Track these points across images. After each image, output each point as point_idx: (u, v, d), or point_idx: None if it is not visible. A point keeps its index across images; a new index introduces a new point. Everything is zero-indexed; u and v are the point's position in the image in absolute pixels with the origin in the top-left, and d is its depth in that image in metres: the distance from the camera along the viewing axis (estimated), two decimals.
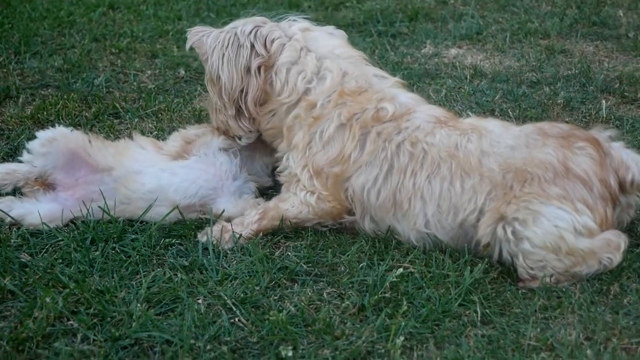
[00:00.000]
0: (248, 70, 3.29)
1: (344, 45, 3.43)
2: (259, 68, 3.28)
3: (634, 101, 4.67)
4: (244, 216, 3.29)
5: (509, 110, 4.37)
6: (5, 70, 4.95)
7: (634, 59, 5.37)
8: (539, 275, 2.91)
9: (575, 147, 3.01)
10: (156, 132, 4.03)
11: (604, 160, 3.01)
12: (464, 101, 4.58)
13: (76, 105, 4.44)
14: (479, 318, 2.76)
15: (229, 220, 3.29)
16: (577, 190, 2.92)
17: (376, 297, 2.83)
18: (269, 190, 3.62)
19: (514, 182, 2.97)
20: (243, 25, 3.34)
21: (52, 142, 3.41)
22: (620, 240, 2.95)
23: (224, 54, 3.29)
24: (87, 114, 4.37)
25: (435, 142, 3.13)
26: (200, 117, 4.34)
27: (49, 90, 4.73)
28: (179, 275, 2.99)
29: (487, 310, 2.79)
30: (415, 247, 3.12)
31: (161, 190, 3.33)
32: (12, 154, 3.86)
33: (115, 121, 4.31)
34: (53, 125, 3.71)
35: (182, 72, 5.07)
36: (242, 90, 3.32)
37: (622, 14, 6.36)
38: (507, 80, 4.94)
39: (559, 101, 4.56)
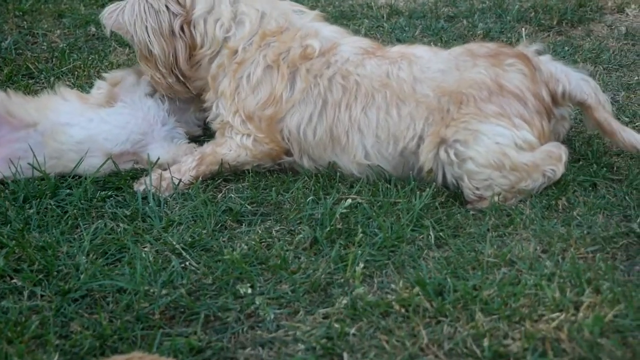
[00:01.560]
0: (173, 33, 3.16)
1: None
2: (181, 28, 3.17)
3: (550, 28, 4.72)
4: (180, 163, 3.19)
5: (431, 44, 4.34)
6: None
7: None
8: (485, 195, 2.91)
9: (505, 65, 3.00)
10: (75, 89, 3.85)
11: (534, 75, 3.01)
12: (384, 39, 4.53)
13: None
14: (433, 241, 2.73)
15: (165, 168, 3.17)
16: (513, 106, 2.92)
17: (328, 229, 2.77)
18: (198, 138, 3.51)
19: (449, 105, 2.95)
20: None
21: None
22: (560, 152, 2.97)
23: (146, 27, 3.15)
24: None
25: (367, 73, 3.08)
26: None
27: None
28: (121, 225, 2.88)
29: (441, 234, 2.77)
30: (360, 180, 3.07)
31: (91, 139, 3.19)
32: None
33: (30, 81, 4.12)
34: None
35: (93, 29, 4.88)
36: (174, 55, 3.20)
37: None
38: (424, 17, 4.93)
39: (478, 32, 4.58)
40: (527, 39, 4.40)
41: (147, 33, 3.14)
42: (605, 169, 3.08)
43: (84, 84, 4.03)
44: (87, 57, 4.43)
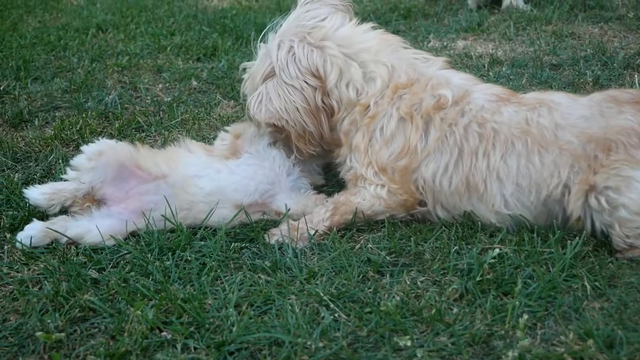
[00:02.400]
0: (317, 107, 3.15)
1: (376, 35, 3.26)
2: (322, 100, 3.15)
3: None
4: (312, 214, 3.14)
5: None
6: (11, 96, 4.76)
7: None
8: (636, 243, 2.81)
9: None
10: (200, 142, 3.85)
11: None
12: None
13: (96, 122, 4.26)
14: (589, 292, 2.63)
15: (295, 219, 3.13)
16: None
17: (477, 280, 2.69)
18: (322, 187, 3.47)
19: (596, 151, 2.87)
20: (279, 64, 3.15)
21: (99, 155, 3.19)
22: None
23: (297, 109, 3.12)
24: (110, 130, 4.19)
25: (504, 120, 3.02)
26: (227, 123, 4.18)
27: (62, 111, 4.54)
28: (262, 276, 2.83)
29: (596, 284, 2.67)
30: (500, 229, 2.99)
31: (221, 191, 3.17)
32: (47, 175, 3.67)
33: (141, 134, 4.14)
34: (79, 145, 3.56)
35: (194, 83, 4.92)
36: (322, 127, 3.20)
37: None
38: (526, 65, 4.88)
39: (588, 80, 4.50)
40: None
41: (300, 114, 3.12)
42: None
43: (194, 136, 4.03)
44: (192, 109, 4.44)
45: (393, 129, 3.09)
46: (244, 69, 3.39)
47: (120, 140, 3.88)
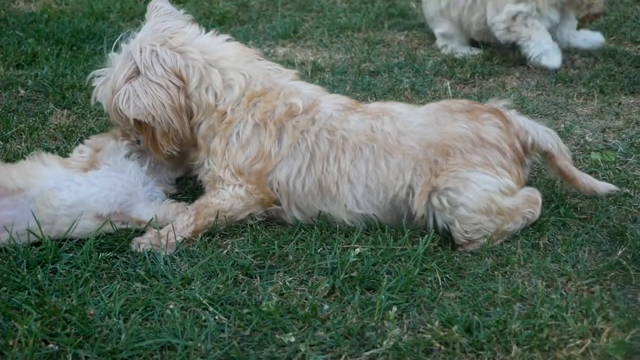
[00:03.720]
0: (181, 106, 3.30)
1: (235, 46, 3.47)
2: (184, 100, 3.31)
3: (466, 81, 5.07)
4: (175, 221, 3.27)
5: (368, 98, 4.60)
6: None
7: None
8: (474, 237, 3.16)
9: (482, 119, 3.29)
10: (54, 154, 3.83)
11: (508, 128, 3.31)
12: None
13: None
14: (442, 283, 2.94)
15: (160, 227, 3.25)
16: (494, 157, 3.20)
17: (342, 277, 2.93)
18: (175, 196, 3.60)
19: (436, 156, 3.20)
20: (144, 62, 3.27)
21: None
22: (537, 195, 3.29)
23: (163, 105, 3.24)
24: None
25: (352, 128, 3.29)
26: (65, 133, 4.19)
27: None
28: (137, 285, 2.94)
29: (447, 276, 2.99)
30: (354, 229, 3.25)
31: (82, 202, 3.23)
32: None
33: None
34: None
35: (22, 91, 4.84)
36: (185, 127, 3.35)
37: (414, 6, 6.81)
38: (347, 72, 5.19)
39: (405, 86, 4.86)
40: (452, 91, 4.75)
41: (167, 111, 3.25)
42: (572, 209, 3.40)
43: (34, 146, 4.01)
44: (26, 119, 4.40)
45: (248, 135, 3.29)
46: (95, 76, 3.45)
47: None
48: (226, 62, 3.35)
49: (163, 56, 3.27)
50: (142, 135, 3.40)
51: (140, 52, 3.28)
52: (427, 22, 5.88)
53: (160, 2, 3.48)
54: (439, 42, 5.74)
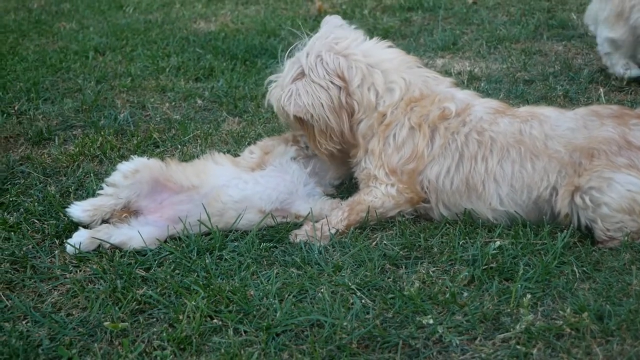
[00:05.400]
0: (341, 105, 3.54)
1: (396, 52, 3.69)
2: (345, 99, 3.54)
3: (621, 88, 5.07)
4: (330, 216, 3.51)
5: (520, 105, 4.69)
6: (28, 116, 5.05)
7: None
8: (615, 235, 3.22)
9: (630, 124, 3.35)
10: (227, 154, 4.17)
11: None
12: None
13: (114, 139, 4.58)
14: (579, 275, 3.04)
15: (316, 221, 3.50)
16: (639, 159, 3.25)
17: (482, 268, 3.08)
18: (332, 195, 3.84)
19: (581, 159, 3.29)
20: (309, 65, 3.54)
21: (134, 173, 3.53)
22: None
23: (322, 105, 3.50)
24: (128, 146, 4.52)
25: (501, 130, 3.43)
26: (236, 138, 4.53)
27: (78, 129, 4.85)
28: (293, 271, 3.19)
29: (584, 269, 3.08)
30: (497, 225, 3.39)
31: (247, 199, 3.53)
32: (79, 188, 3.98)
33: (157, 149, 4.46)
34: (102, 160, 4.05)
35: (199, 101, 5.26)
36: (343, 125, 3.58)
37: (575, 17, 6.82)
38: (502, 81, 5.30)
39: (559, 93, 4.93)
40: (605, 98, 4.78)
41: (324, 110, 3.50)
42: None
43: (207, 150, 4.36)
44: (202, 126, 4.78)
45: (404, 137, 3.50)
46: (270, 82, 3.76)
47: (141, 156, 4.23)
48: (388, 64, 3.58)
49: (327, 60, 3.54)
50: (304, 133, 3.66)
51: (307, 56, 3.56)
52: (591, 26, 5.34)
53: (333, 17, 3.77)
54: (603, 48, 5.16)
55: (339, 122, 3.55)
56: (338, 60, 3.54)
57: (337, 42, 3.63)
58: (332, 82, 3.50)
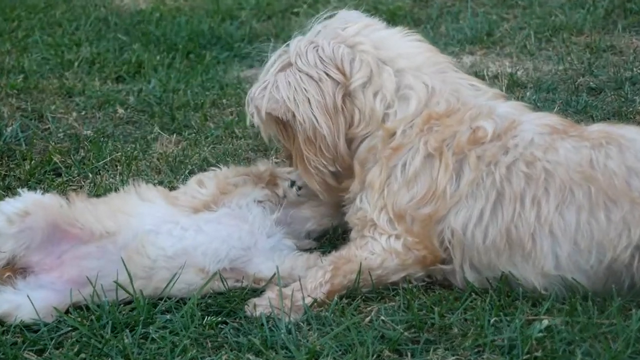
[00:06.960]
0: (335, 107, 3.53)
1: (424, 48, 3.70)
2: (343, 100, 3.54)
3: None
4: (306, 277, 3.49)
5: (582, 124, 4.71)
6: None
7: None
8: None
9: None
10: (158, 186, 4.15)
11: None
12: None
13: None
14: None
15: (284, 285, 3.48)
16: None
17: (522, 358, 3.08)
18: (308, 250, 3.84)
19: None
20: (297, 51, 3.56)
21: (23, 216, 3.50)
22: None
23: (309, 100, 3.49)
24: (17, 173, 4.50)
25: (561, 160, 3.38)
26: (172, 164, 4.53)
27: None
28: (249, 357, 3.18)
29: None
30: (545, 297, 3.38)
31: (186, 253, 3.52)
32: None
33: (59, 179, 4.45)
34: None
35: (121, 110, 5.27)
36: (337, 135, 3.55)
37: None
38: (556, 89, 5.33)
39: (638, 108, 4.97)
40: None
41: (312, 108, 3.49)
42: None
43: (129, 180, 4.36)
44: (124, 146, 4.78)
45: (417, 167, 3.46)
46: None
47: (35, 188, 4.22)
48: (406, 62, 3.58)
49: (322, 45, 3.55)
50: (285, 144, 3.67)
51: (298, 42, 3.60)
52: None
53: (352, 13, 3.80)
54: None
55: (332, 128, 3.53)
56: (339, 48, 3.55)
57: (344, 27, 3.64)
58: (326, 74, 3.50)
